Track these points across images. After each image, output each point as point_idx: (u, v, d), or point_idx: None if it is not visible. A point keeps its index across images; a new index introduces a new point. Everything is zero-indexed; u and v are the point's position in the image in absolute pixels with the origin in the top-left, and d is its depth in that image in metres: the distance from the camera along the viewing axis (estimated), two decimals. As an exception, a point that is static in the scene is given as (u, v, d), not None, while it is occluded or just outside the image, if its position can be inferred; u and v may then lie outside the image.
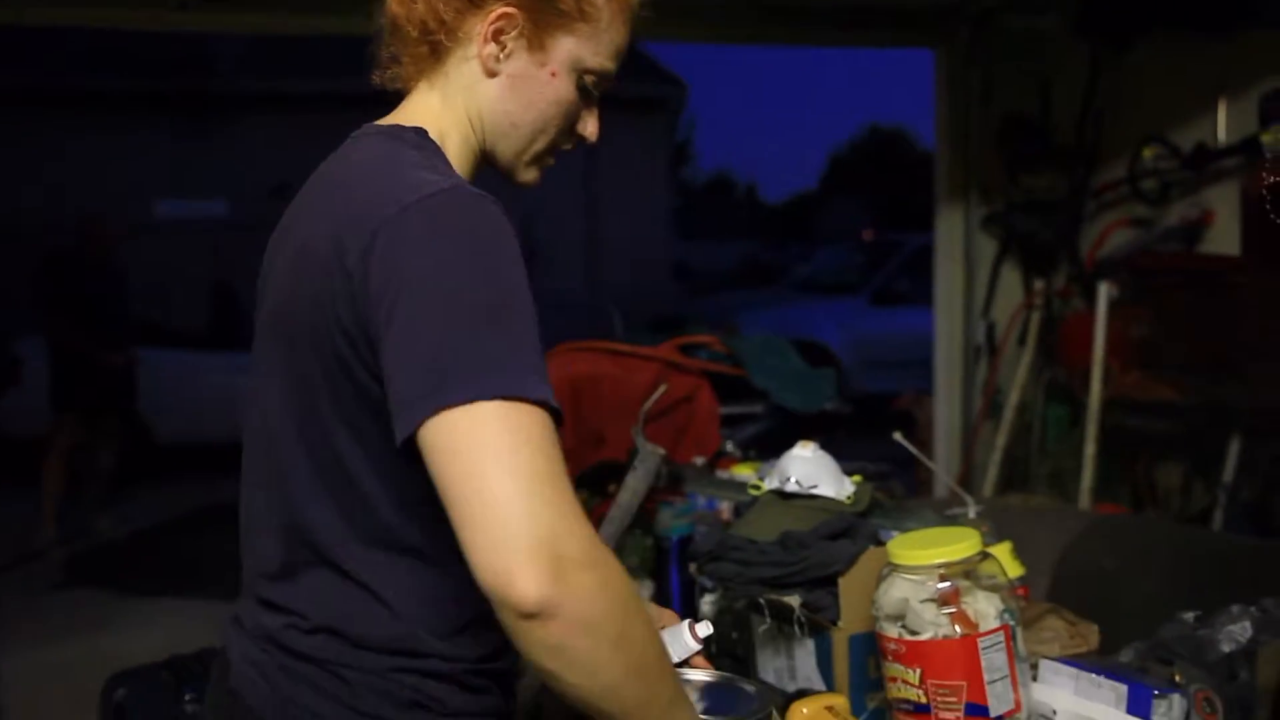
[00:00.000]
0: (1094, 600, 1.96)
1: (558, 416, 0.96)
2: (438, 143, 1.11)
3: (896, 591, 1.44)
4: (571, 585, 0.88)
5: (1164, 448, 3.31)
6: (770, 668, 1.73)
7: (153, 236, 9.66)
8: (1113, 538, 2.34)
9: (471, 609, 1.07)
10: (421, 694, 1.06)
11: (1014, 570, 1.78)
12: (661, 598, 2.06)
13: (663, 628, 1.33)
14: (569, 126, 1.19)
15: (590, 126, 1.20)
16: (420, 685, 1.06)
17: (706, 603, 1.99)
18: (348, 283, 0.99)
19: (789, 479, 1.76)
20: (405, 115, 1.16)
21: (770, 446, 2.64)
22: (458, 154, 1.15)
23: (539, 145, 1.18)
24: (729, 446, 2.61)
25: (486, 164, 1.20)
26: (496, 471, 0.88)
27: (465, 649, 1.08)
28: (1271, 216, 1.46)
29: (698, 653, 1.31)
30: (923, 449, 4.23)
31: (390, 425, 0.95)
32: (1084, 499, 3.21)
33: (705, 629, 1.32)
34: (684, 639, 1.31)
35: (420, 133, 1.12)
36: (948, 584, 1.43)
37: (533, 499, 0.88)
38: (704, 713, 1.17)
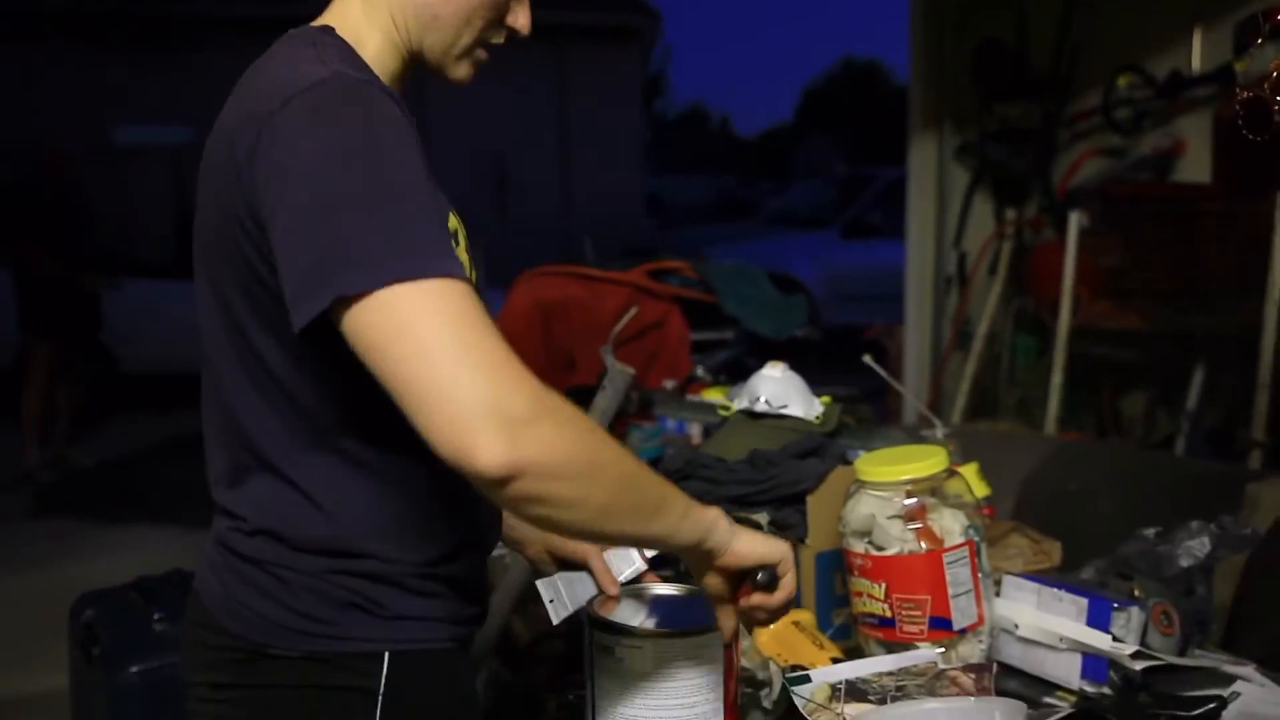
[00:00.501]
0: (1057, 521, 1.99)
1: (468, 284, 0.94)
2: (350, 42, 1.08)
3: (863, 508, 1.45)
4: (528, 442, 0.88)
5: (1129, 377, 3.35)
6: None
7: (112, 163, 9.46)
8: (1076, 462, 2.37)
9: (414, 511, 1.07)
10: (360, 595, 1.05)
11: (980, 490, 1.80)
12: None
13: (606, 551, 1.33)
14: (497, 18, 1.15)
15: (521, 19, 1.17)
16: (358, 587, 1.06)
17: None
18: (240, 182, 0.98)
19: (758, 398, 1.76)
20: (325, 16, 1.14)
21: (741, 373, 2.65)
22: (380, 54, 1.11)
23: (465, 39, 1.14)
24: (699, 371, 2.61)
25: (418, 64, 1.17)
26: (424, 354, 0.87)
27: (409, 552, 1.08)
28: (1248, 135, 1.45)
29: (645, 571, 1.31)
30: (893, 379, 4.26)
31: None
32: (1050, 427, 3.25)
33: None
34: (632, 557, 1.31)
35: (325, 30, 1.09)
36: (914, 500, 1.44)
37: (467, 370, 0.87)
38: (676, 625, 1.17)
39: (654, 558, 1.31)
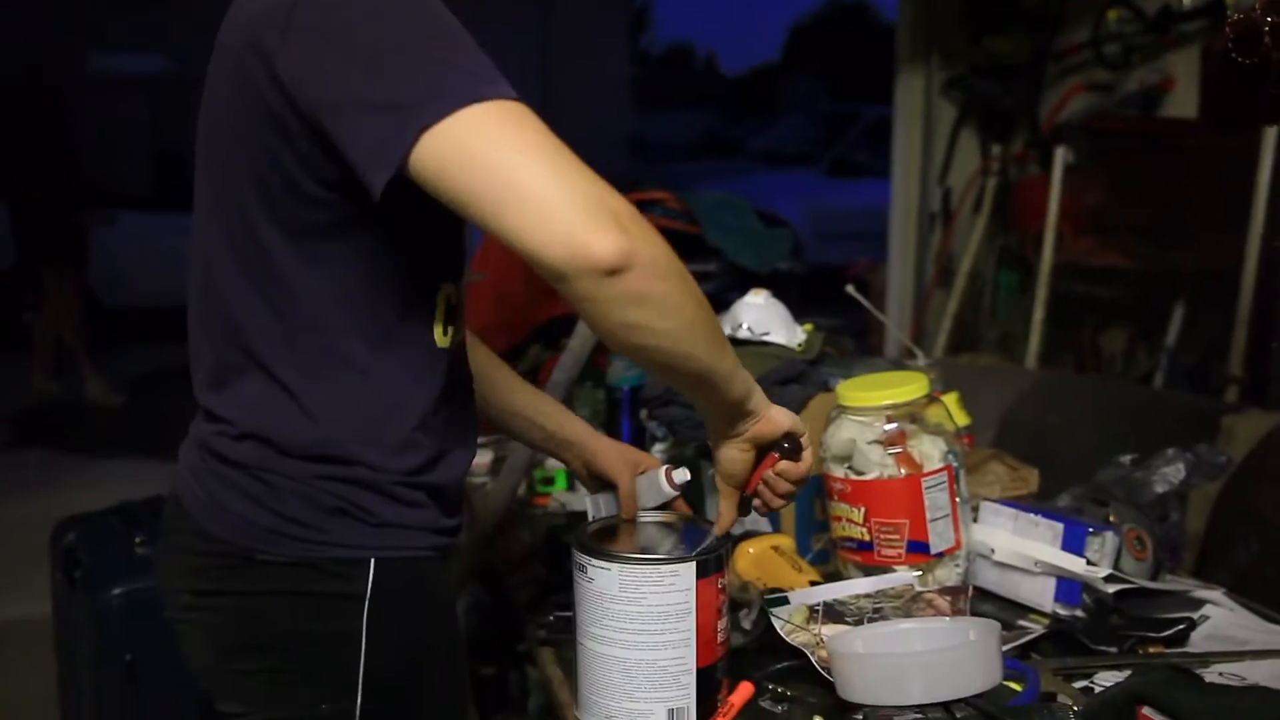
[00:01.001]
0: (1036, 452, 2.00)
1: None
2: None
3: (844, 433, 1.46)
4: (636, 233, 0.89)
5: (1110, 314, 3.36)
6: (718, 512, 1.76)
7: (88, 93, 9.29)
8: (1056, 395, 2.39)
9: (402, 419, 1.09)
10: (347, 501, 1.06)
11: (960, 419, 1.81)
12: (612, 447, 2.07)
13: (642, 472, 1.36)
14: None
15: None
16: (346, 493, 1.06)
17: (657, 451, 2.01)
18: (268, 62, 0.96)
19: (740, 325, 1.76)
20: None
21: (724, 305, 2.64)
22: None
23: None
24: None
25: None
26: (518, 161, 0.88)
27: (395, 459, 1.09)
28: (1237, 59, 1.44)
29: (675, 499, 1.34)
30: (875, 310, 4.26)
31: (328, 213, 0.97)
32: (1031, 362, 3.26)
33: (682, 475, 1.33)
34: (660, 485, 1.33)
35: None
36: (894, 425, 1.44)
37: (566, 172, 0.88)
38: (662, 551, 1.19)
39: (682, 484, 1.34)
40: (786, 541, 1.57)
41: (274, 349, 1.05)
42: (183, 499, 1.12)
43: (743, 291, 3.02)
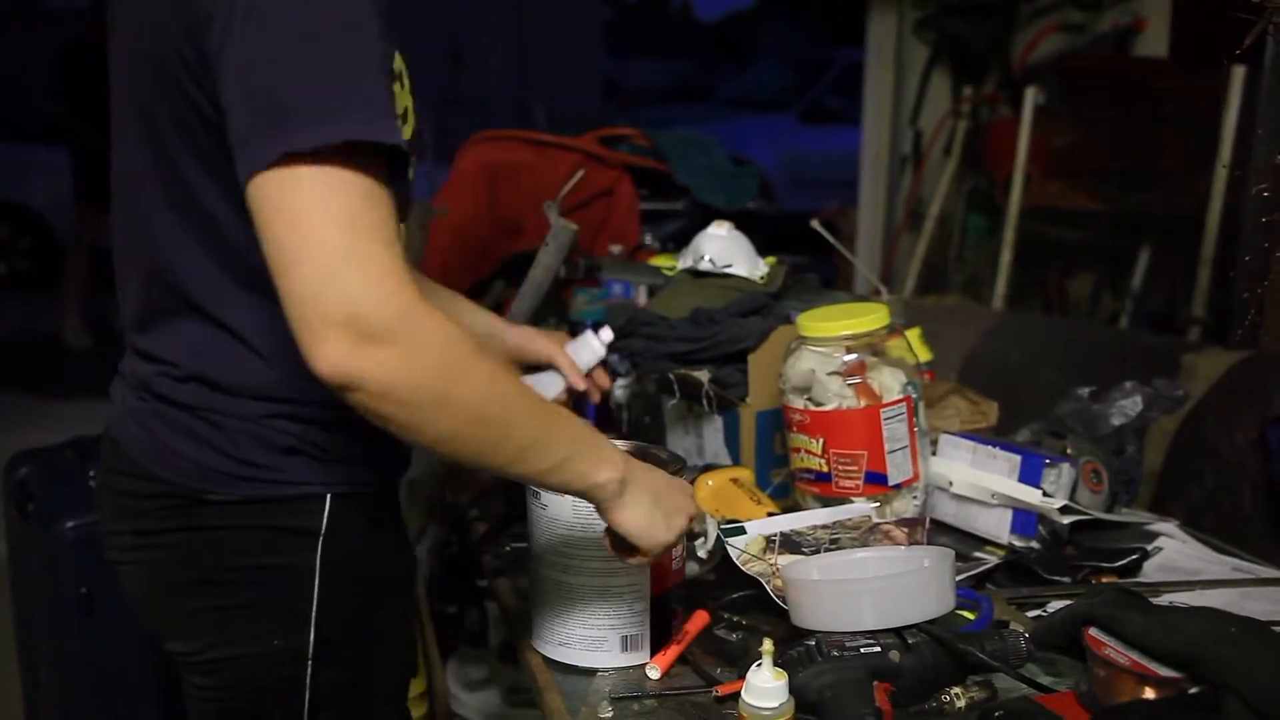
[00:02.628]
0: (998, 389, 2.00)
1: (402, 156, 0.92)
2: None
3: (803, 363, 1.45)
4: (370, 360, 0.86)
5: (1077, 257, 3.36)
6: (680, 446, 1.75)
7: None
8: (1020, 334, 2.39)
9: None
10: (302, 440, 1.04)
11: (922, 354, 1.80)
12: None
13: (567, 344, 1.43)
14: None
15: None
16: (302, 432, 1.04)
17: (618, 387, 2.00)
18: (183, 9, 0.92)
19: (703, 257, 1.74)
20: None
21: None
22: None
23: None
24: (648, 240, 2.57)
25: None
26: (310, 237, 0.85)
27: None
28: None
29: (604, 359, 1.43)
30: (844, 260, 4.25)
31: None
32: (997, 305, 3.26)
33: (608, 334, 1.43)
34: (591, 345, 1.41)
35: None
36: (853, 356, 1.43)
37: (341, 269, 0.85)
38: None
39: (609, 342, 1.47)
40: (746, 474, 1.57)
41: (213, 292, 1.01)
42: (121, 441, 1.08)
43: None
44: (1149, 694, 0.85)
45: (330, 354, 0.85)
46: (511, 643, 1.90)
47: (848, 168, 5.34)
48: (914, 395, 1.45)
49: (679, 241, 2.73)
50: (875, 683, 1.06)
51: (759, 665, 0.96)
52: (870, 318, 1.44)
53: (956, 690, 1.09)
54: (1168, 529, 1.50)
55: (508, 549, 1.45)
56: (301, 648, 1.06)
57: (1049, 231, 3.40)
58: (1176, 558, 1.42)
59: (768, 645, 0.96)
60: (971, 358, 2.29)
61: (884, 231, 4.33)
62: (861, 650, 1.08)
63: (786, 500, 1.61)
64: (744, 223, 3.28)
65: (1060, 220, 3.35)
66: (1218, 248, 2.59)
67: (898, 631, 1.10)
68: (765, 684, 0.95)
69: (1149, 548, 1.40)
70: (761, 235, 3.25)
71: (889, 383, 1.45)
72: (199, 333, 1.03)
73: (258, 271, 0.98)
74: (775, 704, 0.95)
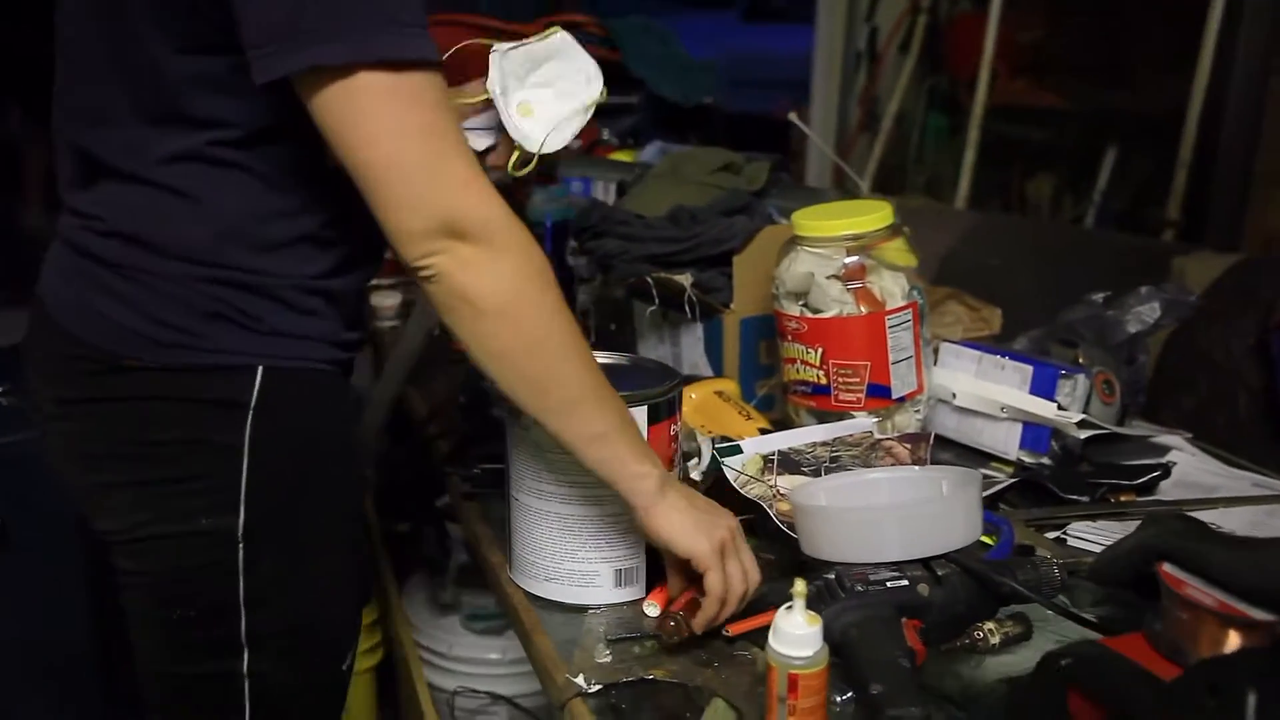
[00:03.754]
0: (978, 295, 1.91)
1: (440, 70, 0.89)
2: None
3: (800, 266, 1.32)
4: (455, 255, 0.88)
5: (1040, 157, 3.26)
6: (653, 356, 1.62)
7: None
8: (995, 236, 2.29)
9: (296, 221, 0.97)
10: (230, 307, 0.96)
11: (910, 261, 1.68)
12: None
13: None
14: None
15: None
16: (229, 297, 0.95)
17: (582, 293, 1.86)
18: None
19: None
20: None
21: (648, 139, 2.46)
22: None
23: None
24: (605, 135, 2.41)
25: None
26: (391, 142, 0.86)
27: (288, 263, 0.98)
28: None
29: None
30: (796, 161, 4.11)
31: (238, 47, 0.85)
32: (960, 206, 3.16)
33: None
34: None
35: None
36: (854, 259, 1.31)
37: (429, 170, 0.87)
38: None
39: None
40: (731, 386, 1.45)
41: (143, 143, 0.94)
42: (46, 300, 1.01)
43: (667, 125, 2.84)
44: (1235, 638, 0.76)
45: (422, 246, 0.88)
46: (477, 569, 1.78)
47: (793, 68, 5.16)
48: (920, 301, 1.33)
49: (638, 138, 2.57)
50: (904, 620, 0.97)
51: (789, 608, 0.85)
52: (873, 216, 1.31)
53: (989, 625, 0.99)
54: (1176, 442, 1.41)
55: (476, 470, 1.31)
56: (230, 529, 0.98)
57: (1012, 131, 3.28)
58: (1191, 473, 1.34)
59: (800, 586, 0.84)
60: (947, 262, 2.18)
61: (837, 132, 4.18)
62: (888, 585, 0.98)
63: (772, 414, 1.50)
64: (699, 117, 3.12)
65: (1024, 119, 3.23)
66: (1195, 150, 2.50)
67: (925, 563, 1.00)
68: (798, 629, 0.84)
69: (1167, 462, 1.31)
70: (719, 132, 3.10)
71: (890, 287, 1.33)
72: (129, 190, 0.96)
73: (206, 137, 0.93)
74: (809, 652, 0.84)
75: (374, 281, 2.14)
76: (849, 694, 0.92)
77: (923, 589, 0.98)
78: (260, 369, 0.97)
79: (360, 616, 1.17)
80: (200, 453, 0.96)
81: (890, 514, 1.01)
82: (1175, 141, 2.56)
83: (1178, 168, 2.51)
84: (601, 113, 2.60)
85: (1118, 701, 0.75)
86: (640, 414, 1.03)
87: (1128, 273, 1.96)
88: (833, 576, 0.99)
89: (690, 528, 0.98)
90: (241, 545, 0.97)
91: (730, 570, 0.99)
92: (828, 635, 0.92)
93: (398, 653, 1.74)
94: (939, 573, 0.99)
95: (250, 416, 0.96)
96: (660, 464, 0.99)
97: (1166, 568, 0.78)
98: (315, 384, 1.01)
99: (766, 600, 1.04)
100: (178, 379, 0.95)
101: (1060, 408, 1.29)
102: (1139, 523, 0.99)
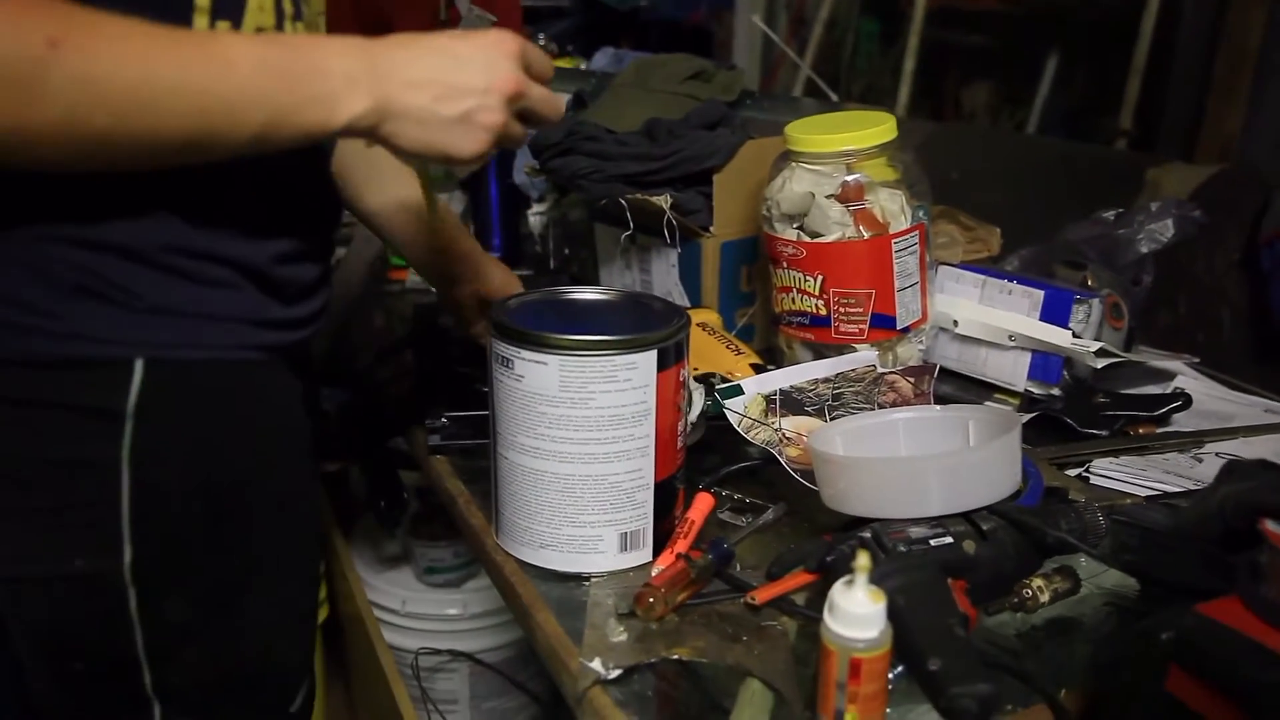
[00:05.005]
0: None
1: None
2: None
3: (798, 185, 1.20)
4: None
5: (977, 63, 3.17)
6: (619, 283, 1.49)
7: None
8: (953, 147, 2.19)
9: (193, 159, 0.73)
10: (97, 277, 0.75)
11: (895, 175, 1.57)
12: (479, 211, 1.75)
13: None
14: None
15: None
16: (95, 265, 0.75)
17: (534, 213, 1.71)
18: None
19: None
20: None
21: (585, 45, 2.29)
22: None
23: None
24: (541, 40, 2.22)
25: None
26: None
27: (180, 217, 0.77)
28: None
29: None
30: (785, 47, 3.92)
31: None
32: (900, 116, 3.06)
33: None
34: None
35: None
36: (855, 176, 1.19)
37: None
38: (594, 332, 0.91)
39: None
40: (714, 318, 1.33)
41: None
42: None
43: (602, 30, 2.67)
44: (1357, 605, 0.68)
45: None
46: (428, 518, 1.65)
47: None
48: (925, 222, 1.23)
49: (576, 43, 2.39)
50: (950, 580, 0.87)
51: (849, 582, 0.74)
52: (877, 129, 1.20)
53: (1038, 582, 0.91)
54: (1179, 366, 1.35)
55: (443, 420, 1.17)
56: (113, 572, 0.79)
57: (948, 36, 3.19)
58: (1202, 400, 1.27)
59: (864, 560, 0.74)
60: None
61: (763, 39, 4.03)
62: (930, 543, 0.88)
63: (752, 344, 1.39)
64: (635, 23, 2.96)
65: (961, 24, 3.14)
66: (1149, 56, 2.43)
67: (967, 516, 0.91)
68: (860, 608, 0.73)
69: (1185, 391, 1.24)
70: (653, 39, 2.94)
71: (891, 207, 1.22)
72: None
73: None
74: (874, 633, 0.73)
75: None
76: (898, 668, 0.83)
77: (968, 546, 0.89)
78: (139, 363, 0.77)
79: (313, 646, 1.00)
80: (68, 474, 0.77)
81: (933, 464, 0.91)
82: (1126, 46, 2.49)
83: (1131, 74, 2.44)
84: (534, 17, 2.43)
85: (1231, 679, 0.67)
86: (648, 360, 0.91)
87: (1098, 186, 1.89)
88: (869, 535, 0.89)
89: (438, 139, 0.77)
90: (132, 590, 0.79)
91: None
92: (871, 603, 0.82)
93: (346, 609, 1.61)
94: (984, 527, 0.90)
95: (129, 427, 0.77)
96: (358, 75, 0.73)
97: (1270, 525, 0.70)
98: (226, 379, 0.82)
99: (788, 561, 0.94)
100: (35, 376, 0.75)
101: (1074, 335, 1.20)
102: (1164, 457, 0.91)
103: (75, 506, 0.78)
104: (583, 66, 1.92)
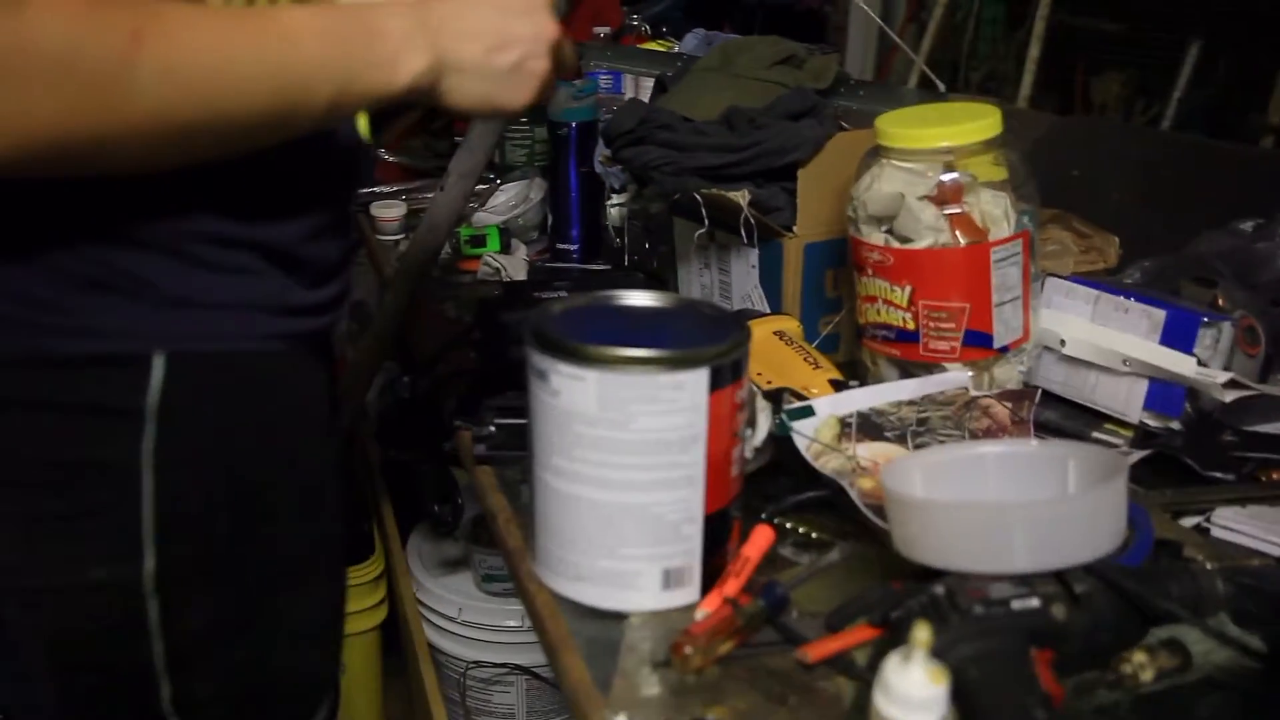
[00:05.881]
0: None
1: None
2: None
3: (887, 185, 1.08)
4: None
5: (1109, 52, 2.97)
6: (695, 285, 1.40)
7: None
8: (1078, 143, 2.02)
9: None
10: (114, 270, 0.71)
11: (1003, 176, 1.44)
12: (557, 201, 1.67)
13: None
14: None
15: None
16: (110, 257, 0.70)
17: (614, 204, 1.62)
18: None
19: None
20: None
21: (683, 29, 2.19)
22: None
23: None
24: (634, 20, 2.13)
25: None
26: None
27: (198, 203, 0.72)
28: None
29: None
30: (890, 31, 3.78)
31: None
32: (1021, 108, 2.88)
33: None
34: None
35: None
36: (954, 176, 1.07)
37: None
38: (640, 345, 0.81)
39: None
40: (793, 326, 1.22)
41: None
42: None
43: (700, 14, 2.57)
44: None
45: None
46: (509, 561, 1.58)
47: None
48: (1031, 229, 1.10)
49: (672, 27, 2.29)
50: (1033, 650, 0.76)
51: (905, 659, 0.64)
52: (981, 123, 1.07)
53: (1140, 657, 0.78)
54: (1321, 399, 1.18)
55: (491, 427, 1.10)
56: (133, 581, 0.74)
57: (1078, 22, 2.99)
58: (1348, 441, 1.11)
59: (923, 633, 0.63)
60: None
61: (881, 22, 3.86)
62: (1013, 605, 0.77)
63: (835, 355, 1.28)
64: (732, 7, 2.85)
65: (1093, 8, 2.93)
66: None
67: (1058, 575, 0.79)
68: (918, 690, 0.63)
69: (1324, 431, 1.09)
70: (759, 22, 2.82)
71: (992, 211, 1.09)
72: None
73: None
74: (932, 719, 0.63)
75: (375, 188, 1.92)
76: (965, 752, 0.72)
77: (1057, 611, 0.77)
78: (161, 359, 0.72)
79: (338, 654, 0.95)
80: (84, 478, 0.72)
81: (1019, 513, 0.79)
82: (1276, 33, 2.27)
83: (1281, 67, 2.23)
84: (630, -1, 2.34)
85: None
86: (699, 380, 0.81)
87: (1235, 191, 1.71)
88: (941, 591, 0.78)
89: (492, 94, 0.79)
90: (153, 600, 0.75)
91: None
92: (938, 671, 0.71)
93: (404, 610, 1.55)
94: (1076, 589, 0.78)
95: (151, 428, 0.72)
96: (415, 35, 0.74)
97: None
98: (257, 372, 0.78)
99: (850, 612, 0.83)
100: (47, 375, 0.71)
101: (1200, 362, 1.06)
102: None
103: (92, 513, 0.74)
104: (676, 50, 1.82)
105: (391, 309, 1.50)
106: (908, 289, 1.07)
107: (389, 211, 1.79)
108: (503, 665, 1.51)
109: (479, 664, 1.50)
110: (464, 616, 1.56)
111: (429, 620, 1.55)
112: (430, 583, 1.61)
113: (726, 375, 0.83)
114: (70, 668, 0.79)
